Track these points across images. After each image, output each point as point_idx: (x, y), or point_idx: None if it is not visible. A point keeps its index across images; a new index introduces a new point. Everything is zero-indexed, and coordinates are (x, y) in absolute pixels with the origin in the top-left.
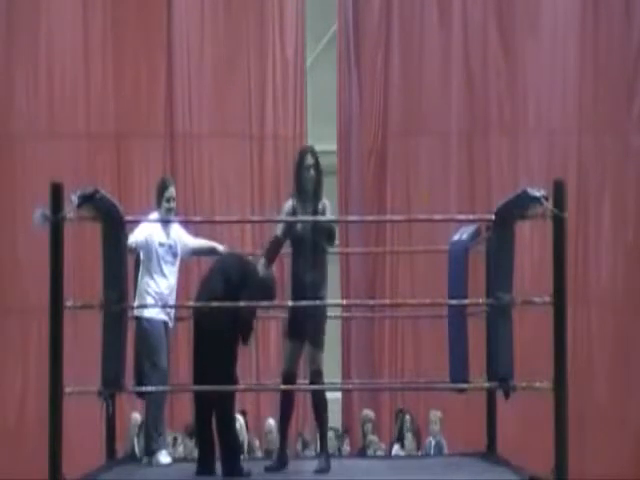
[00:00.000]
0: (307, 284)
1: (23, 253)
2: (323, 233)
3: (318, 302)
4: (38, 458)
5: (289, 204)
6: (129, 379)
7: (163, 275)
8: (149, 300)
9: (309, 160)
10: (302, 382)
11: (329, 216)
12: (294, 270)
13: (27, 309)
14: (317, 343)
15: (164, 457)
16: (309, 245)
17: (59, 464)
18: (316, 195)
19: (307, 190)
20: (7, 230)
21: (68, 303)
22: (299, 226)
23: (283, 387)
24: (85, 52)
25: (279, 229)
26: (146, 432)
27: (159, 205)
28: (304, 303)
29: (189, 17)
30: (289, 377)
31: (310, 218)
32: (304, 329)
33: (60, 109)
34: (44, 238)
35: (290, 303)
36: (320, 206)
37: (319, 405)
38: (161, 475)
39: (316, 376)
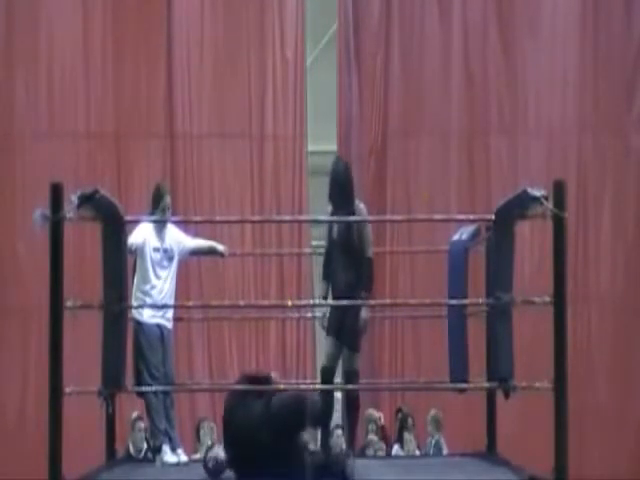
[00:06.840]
0: (341, 285)
1: (23, 253)
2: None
3: (346, 302)
4: (38, 458)
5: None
6: (129, 379)
7: (157, 280)
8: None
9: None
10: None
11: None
12: (332, 272)
13: (27, 309)
14: (351, 345)
15: (169, 456)
16: (341, 248)
17: (59, 464)
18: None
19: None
20: (7, 230)
21: (68, 303)
22: (333, 231)
23: (282, 386)
24: (85, 52)
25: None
26: (150, 431)
27: (154, 213)
28: (332, 303)
29: (189, 17)
30: (328, 373)
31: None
32: (340, 329)
33: (60, 109)
34: (44, 238)
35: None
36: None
37: (350, 404)
38: (161, 475)
39: (351, 376)
